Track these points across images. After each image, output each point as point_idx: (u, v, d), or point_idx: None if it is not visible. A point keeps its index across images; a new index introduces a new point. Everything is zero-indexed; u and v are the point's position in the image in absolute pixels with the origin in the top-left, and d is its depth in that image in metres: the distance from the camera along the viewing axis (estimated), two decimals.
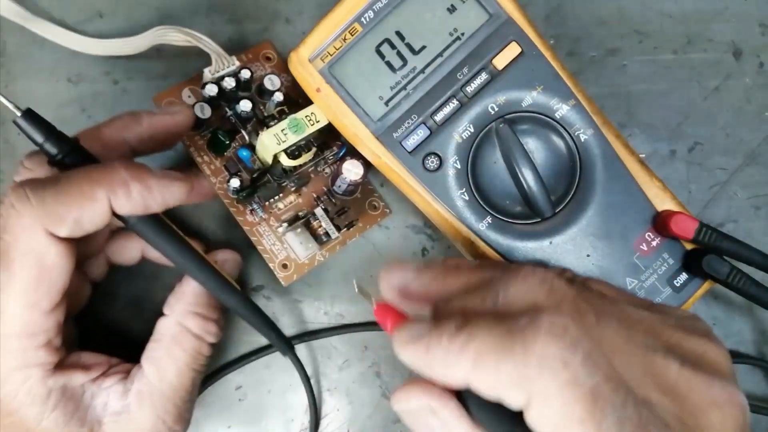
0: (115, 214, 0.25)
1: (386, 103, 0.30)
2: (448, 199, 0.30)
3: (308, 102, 0.30)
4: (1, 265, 0.24)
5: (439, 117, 0.30)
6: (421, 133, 0.30)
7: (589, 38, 0.35)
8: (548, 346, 0.18)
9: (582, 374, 0.18)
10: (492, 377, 0.19)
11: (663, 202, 0.30)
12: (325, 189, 0.33)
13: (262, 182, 0.31)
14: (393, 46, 0.30)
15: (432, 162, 0.30)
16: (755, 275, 0.29)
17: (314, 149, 0.31)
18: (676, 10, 0.36)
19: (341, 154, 0.33)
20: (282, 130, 0.29)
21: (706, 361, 0.21)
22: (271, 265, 0.32)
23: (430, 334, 0.20)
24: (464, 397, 0.21)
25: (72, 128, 0.34)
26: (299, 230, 0.32)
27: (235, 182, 0.30)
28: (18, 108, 0.25)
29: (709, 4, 0.36)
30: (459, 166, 0.30)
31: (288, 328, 0.34)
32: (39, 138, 0.25)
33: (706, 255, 0.29)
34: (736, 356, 0.34)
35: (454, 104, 0.29)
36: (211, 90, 0.30)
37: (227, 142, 0.31)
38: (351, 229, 0.33)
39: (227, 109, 0.32)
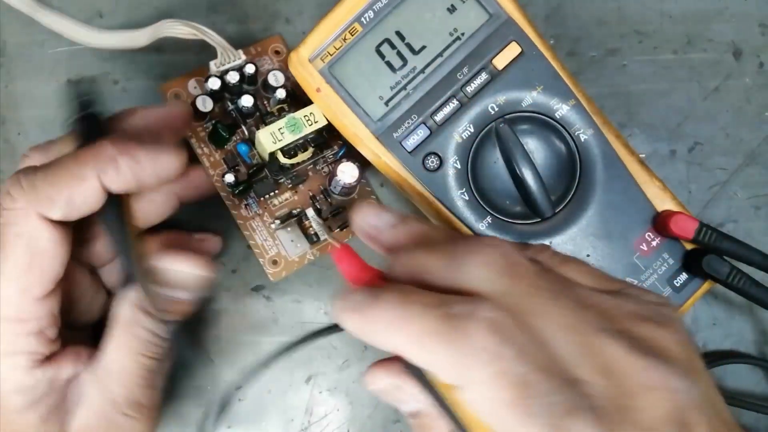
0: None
1: (386, 103, 0.30)
2: (448, 199, 0.30)
3: (311, 100, 0.30)
4: None
5: (439, 117, 0.30)
6: (421, 133, 0.30)
7: (589, 38, 0.35)
8: (484, 340, 0.19)
9: (514, 366, 0.19)
10: (427, 357, 0.20)
11: (663, 202, 0.30)
12: (322, 188, 0.33)
13: (258, 178, 0.31)
14: (393, 46, 0.30)
15: (432, 162, 0.30)
16: (755, 275, 0.29)
17: (312, 149, 0.31)
18: (676, 10, 0.36)
19: (340, 154, 0.33)
20: (279, 129, 0.29)
21: (655, 346, 0.21)
22: (261, 260, 0.32)
23: (371, 306, 0.21)
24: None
25: None
26: (290, 228, 0.32)
27: (229, 177, 0.30)
28: None
29: (709, 4, 0.36)
30: (459, 166, 0.30)
31: (288, 328, 0.34)
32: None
33: (706, 255, 0.29)
34: (736, 356, 0.34)
35: (454, 104, 0.29)
36: (214, 83, 0.30)
37: (227, 136, 0.31)
38: (344, 230, 0.33)
39: (229, 103, 0.32)
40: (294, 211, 0.32)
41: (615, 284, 0.23)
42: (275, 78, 0.31)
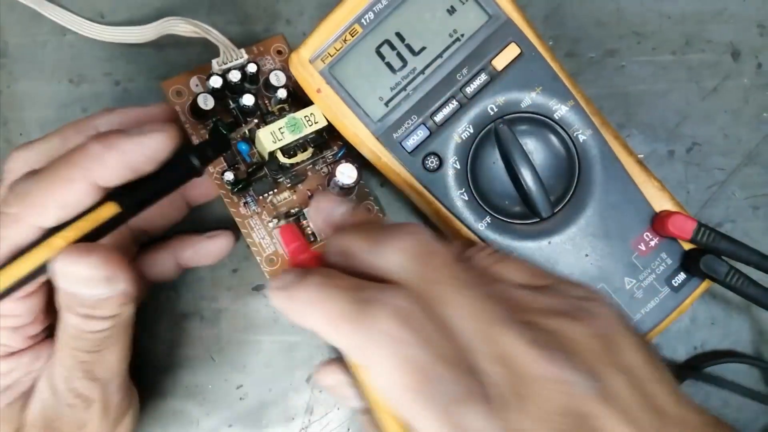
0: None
1: (386, 104, 0.30)
2: (447, 199, 0.30)
3: (312, 100, 0.30)
4: None
5: (438, 117, 0.30)
6: (421, 133, 0.30)
7: (588, 39, 0.35)
8: (389, 325, 0.20)
9: (415, 352, 0.20)
10: (338, 338, 0.21)
11: (661, 203, 0.30)
12: (321, 188, 0.33)
13: (258, 176, 0.32)
14: (393, 47, 0.30)
15: (432, 162, 0.30)
16: (753, 275, 0.29)
17: (311, 149, 0.31)
18: (674, 11, 0.36)
19: (340, 154, 0.33)
20: (279, 129, 0.29)
21: (562, 339, 0.21)
22: (258, 258, 0.32)
23: (296, 286, 0.22)
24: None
25: None
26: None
27: (228, 175, 0.30)
28: None
29: (708, 5, 0.36)
30: (458, 167, 0.30)
31: (288, 328, 0.34)
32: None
33: (704, 255, 0.29)
34: (734, 355, 0.35)
35: (453, 105, 0.30)
36: (216, 82, 0.30)
37: (227, 134, 0.32)
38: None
39: (231, 102, 0.32)
40: (292, 210, 0.32)
41: (545, 280, 0.24)
42: (277, 78, 0.31)
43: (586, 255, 0.30)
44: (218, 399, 0.33)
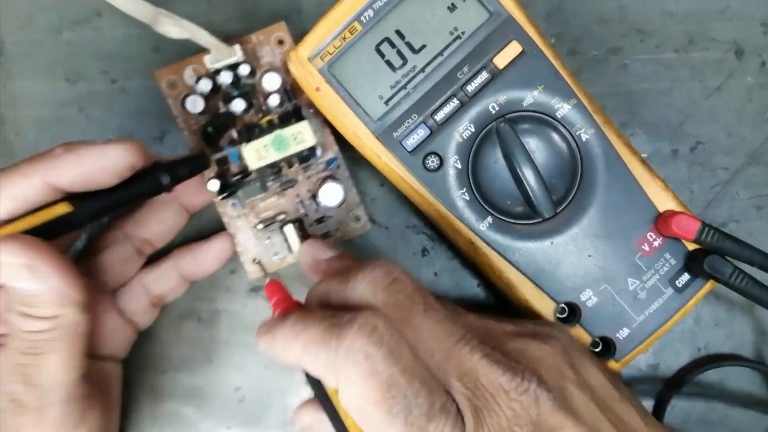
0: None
1: (386, 103, 0.29)
2: (448, 199, 0.29)
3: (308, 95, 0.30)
4: None
5: (439, 116, 0.29)
6: (422, 132, 0.29)
7: (591, 37, 0.35)
8: (356, 341, 0.21)
9: (381, 366, 0.21)
10: (313, 363, 0.22)
11: (665, 202, 0.30)
12: (310, 194, 0.32)
13: (246, 181, 0.31)
14: (393, 45, 0.29)
15: (432, 162, 0.29)
16: (757, 275, 0.29)
17: (297, 166, 0.31)
18: (677, 9, 0.35)
19: (333, 164, 0.32)
20: (264, 146, 0.29)
21: (523, 357, 0.23)
22: (242, 258, 0.32)
23: (277, 325, 0.23)
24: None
25: (70, 128, 0.34)
26: (273, 232, 0.32)
27: (214, 185, 0.30)
28: None
29: (711, 3, 0.36)
30: (459, 166, 0.29)
31: None
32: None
33: (708, 255, 0.29)
34: (735, 359, 0.34)
35: (454, 103, 0.29)
36: (206, 86, 0.30)
37: (216, 137, 0.31)
38: (327, 238, 0.33)
39: (222, 104, 0.32)
40: (278, 217, 0.32)
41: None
42: (270, 80, 0.31)
43: (589, 255, 0.30)
44: (216, 401, 0.33)
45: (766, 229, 0.35)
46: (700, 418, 0.34)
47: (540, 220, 0.30)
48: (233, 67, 0.30)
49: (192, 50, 0.32)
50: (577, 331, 0.30)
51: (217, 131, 0.31)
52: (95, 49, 0.34)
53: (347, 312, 0.22)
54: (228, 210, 0.32)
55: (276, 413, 0.33)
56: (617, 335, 0.30)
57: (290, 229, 0.31)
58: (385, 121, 0.29)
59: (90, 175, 0.25)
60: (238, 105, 0.30)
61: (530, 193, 0.29)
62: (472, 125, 0.29)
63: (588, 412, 0.22)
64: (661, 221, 0.29)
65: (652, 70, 0.35)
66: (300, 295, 0.27)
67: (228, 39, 0.30)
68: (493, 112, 0.29)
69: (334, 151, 0.32)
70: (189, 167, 0.28)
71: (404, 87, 0.29)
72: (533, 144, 0.30)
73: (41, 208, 0.25)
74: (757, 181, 0.35)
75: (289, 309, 0.26)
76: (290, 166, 0.30)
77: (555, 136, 0.30)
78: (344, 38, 0.29)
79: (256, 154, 0.29)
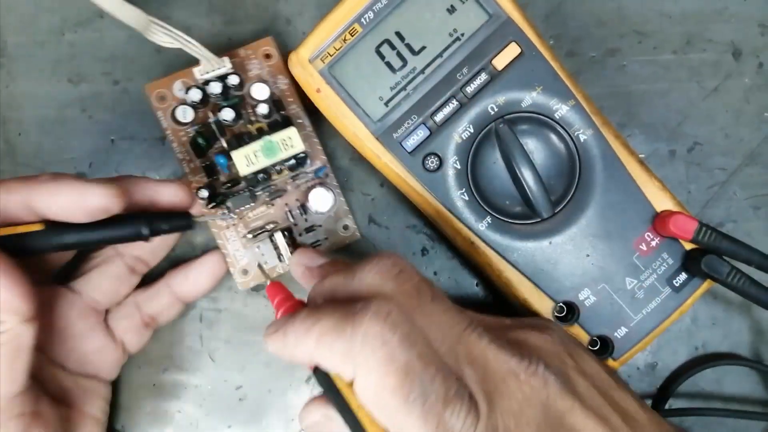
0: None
1: (386, 104, 0.30)
2: (447, 200, 0.30)
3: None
4: None
5: (438, 117, 0.30)
6: (421, 133, 0.30)
7: (589, 38, 0.35)
8: (371, 327, 0.21)
9: (398, 351, 0.21)
10: (328, 353, 0.22)
11: (662, 202, 0.30)
12: (299, 203, 0.33)
13: (235, 190, 0.31)
14: (393, 47, 0.30)
15: (432, 162, 0.30)
16: (755, 275, 0.29)
17: (287, 172, 0.31)
18: (675, 10, 0.36)
19: (322, 172, 0.32)
20: (254, 152, 0.28)
21: (524, 344, 0.24)
22: (231, 269, 0.32)
23: (287, 323, 0.23)
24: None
25: (73, 129, 0.34)
26: (262, 242, 0.32)
27: (203, 193, 0.30)
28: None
29: (709, 4, 0.36)
30: (459, 167, 0.30)
31: None
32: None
33: (705, 255, 0.29)
34: (733, 358, 0.35)
35: (453, 104, 0.30)
36: (195, 95, 0.30)
37: (205, 147, 0.31)
38: (316, 248, 0.33)
39: (211, 114, 0.31)
40: (268, 227, 0.32)
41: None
42: (259, 90, 0.30)
43: (587, 255, 0.30)
44: (217, 400, 0.33)
45: (764, 228, 0.35)
46: (698, 418, 0.34)
47: (538, 220, 0.30)
48: (222, 78, 0.30)
49: (191, 54, 0.33)
50: (576, 330, 0.30)
51: (207, 142, 0.31)
52: (97, 51, 0.34)
53: (359, 302, 0.22)
54: (217, 220, 0.32)
55: (277, 412, 0.33)
56: (615, 334, 0.30)
57: (280, 238, 0.31)
58: (385, 122, 0.30)
59: (64, 208, 0.25)
60: (227, 114, 0.30)
61: (529, 193, 0.29)
62: (471, 126, 0.30)
63: (591, 397, 0.23)
64: (658, 221, 0.30)
65: (650, 71, 0.35)
66: (301, 297, 0.27)
67: (218, 52, 0.30)
68: (492, 113, 0.30)
69: (322, 160, 0.32)
70: (171, 224, 0.28)
71: (404, 88, 0.30)
72: (532, 144, 0.30)
73: (16, 225, 0.25)
74: (754, 181, 0.35)
75: (294, 308, 0.26)
76: (280, 172, 0.30)
77: (553, 136, 0.30)
78: (345, 40, 0.29)
79: (246, 160, 0.28)
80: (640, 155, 0.31)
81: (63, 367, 0.29)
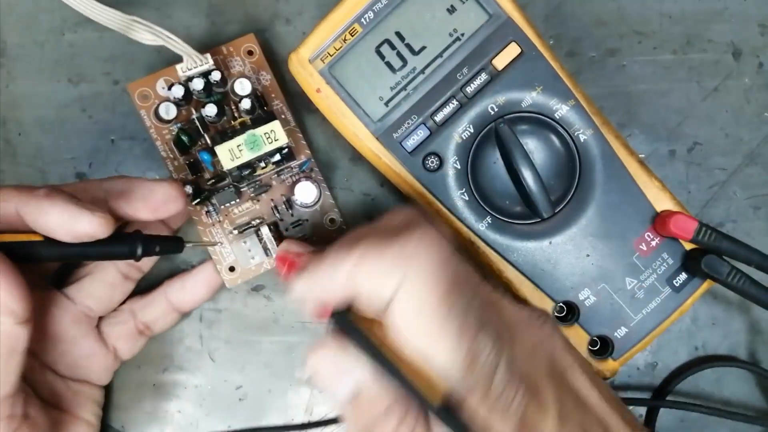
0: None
1: (386, 104, 0.30)
2: (448, 199, 0.30)
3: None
4: None
5: (439, 117, 0.30)
6: (421, 133, 0.30)
7: (589, 38, 0.35)
8: (427, 233, 0.22)
9: (452, 260, 0.22)
10: (375, 265, 0.22)
11: (662, 202, 0.30)
12: (285, 198, 0.32)
13: (219, 186, 0.31)
14: (393, 47, 0.30)
15: (432, 162, 0.30)
16: (754, 275, 0.29)
17: (271, 166, 0.31)
18: (675, 11, 0.36)
19: (305, 166, 0.32)
20: (238, 146, 0.29)
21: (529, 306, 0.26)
22: (219, 266, 0.32)
23: (317, 256, 0.24)
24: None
25: (73, 128, 0.34)
26: (248, 238, 0.32)
27: (187, 189, 0.30)
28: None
29: (709, 5, 0.36)
30: (459, 167, 0.30)
31: (288, 328, 0.34)
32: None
33: (705, 255, 0.29)
34: (730, 360, 0.35)
35: (453, 104, 0.30)
36: (178, 92, 0.30)
37: (188, 144, 0.31)
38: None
39: (194, 110, 0.31)
40: (253, 222, 0.32)
41: None
42: (241, 86, 0.30)
43: (587, 255, 0.30)
44: (218, 400, 0.33)
45: (763, 228, 0.35)
46: (697, 418, 0.34)
47: (539, 220, 0.30)
48: (205, 75, 0.30)
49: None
50: (576, 330, 0.30)
51: (191, 138, 0.31)
52: (97, 51, 0.34)
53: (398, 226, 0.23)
54: (203, 219, 0.32)
55: (277, 412, 0.33)
56: (615, 334, 0.30)
57: (267, 232, 0.31)
58: (385, 122, 0.30)
59: (52, 228, 0.25)
60: (210, 110, 0.30)
61: (529, 193, 0.29)
62: (471, 126, 0.30)
63: (583, 365, 0.24)
64: (658, 221, 0.30)
65: (650, 71, 0.35)
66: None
67: (201, 50, 0.30)
68: (492, 113, 0.30)
69: (306, 154, 0.32)
70: (162, 247, 0.28)
71: (404, 88, 0.30)
72: (532, 144, 0.30)
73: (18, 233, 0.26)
74: (754, 181, 0.35)
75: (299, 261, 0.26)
76: (264, 167, 0.30)
77: (553, 136, 0.30)
78: (345, 40, 0.30)
79: (230, 153, 0.28)
80: (640, 155, 0.31)
81: (54, 371, 0.29)
